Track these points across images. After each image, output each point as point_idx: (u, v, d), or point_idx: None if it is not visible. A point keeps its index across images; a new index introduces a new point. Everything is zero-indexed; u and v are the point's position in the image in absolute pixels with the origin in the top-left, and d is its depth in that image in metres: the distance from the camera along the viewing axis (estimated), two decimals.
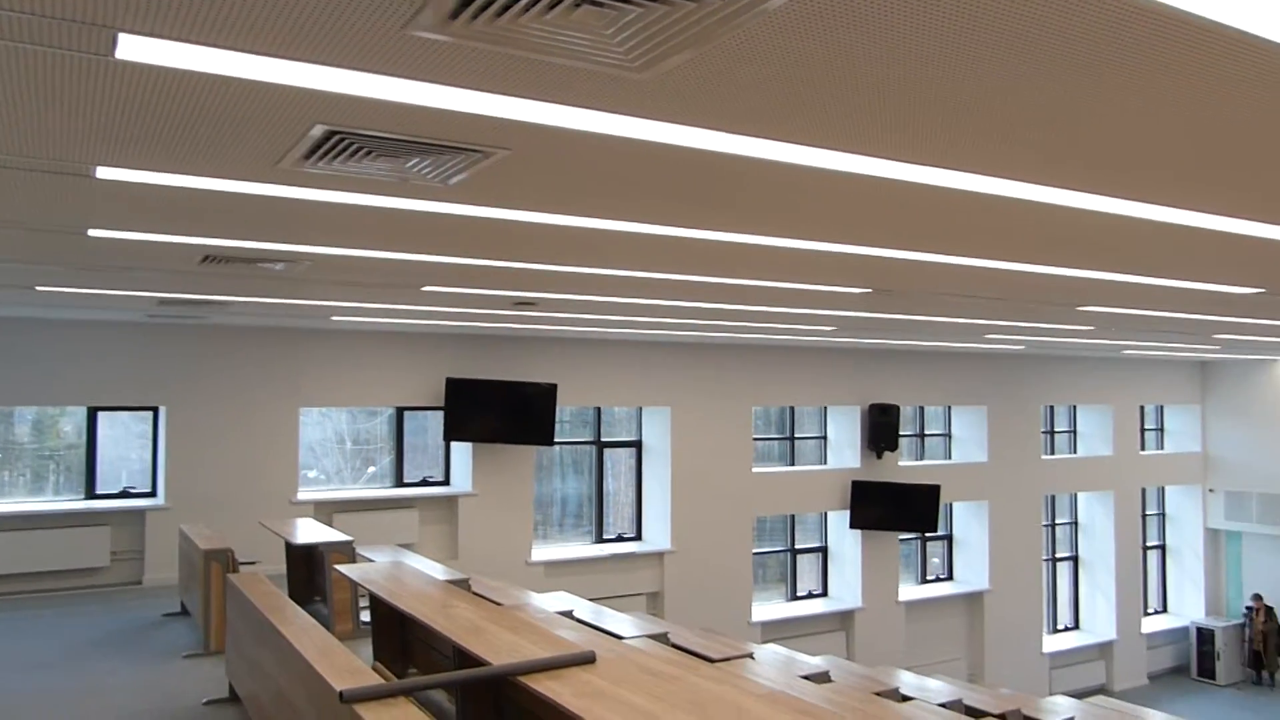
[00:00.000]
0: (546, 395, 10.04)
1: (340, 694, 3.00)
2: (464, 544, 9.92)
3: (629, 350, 10.87)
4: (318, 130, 2.39)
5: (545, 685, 3.05)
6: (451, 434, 9.84)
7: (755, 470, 11.82)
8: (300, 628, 4.11)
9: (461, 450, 10.19)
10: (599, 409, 11.27)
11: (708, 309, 7.19)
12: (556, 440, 10.43)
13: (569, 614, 7.37)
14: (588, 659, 3.36)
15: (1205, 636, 15.19)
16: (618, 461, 11.52)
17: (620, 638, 6.53)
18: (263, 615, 4.39)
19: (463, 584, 7.01)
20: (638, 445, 11.49)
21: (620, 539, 11.26)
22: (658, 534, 11.16)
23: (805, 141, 2.47)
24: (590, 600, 9.33)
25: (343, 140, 2.48)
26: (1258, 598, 14.99)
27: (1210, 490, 15.80)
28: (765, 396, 11.91)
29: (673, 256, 4.57)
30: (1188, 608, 15.94)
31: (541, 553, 10.55)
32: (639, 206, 3.35)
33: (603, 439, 11.36)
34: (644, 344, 10.96)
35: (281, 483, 9.28)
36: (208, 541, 6.90)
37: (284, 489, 9.29)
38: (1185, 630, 15.52)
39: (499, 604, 6.42)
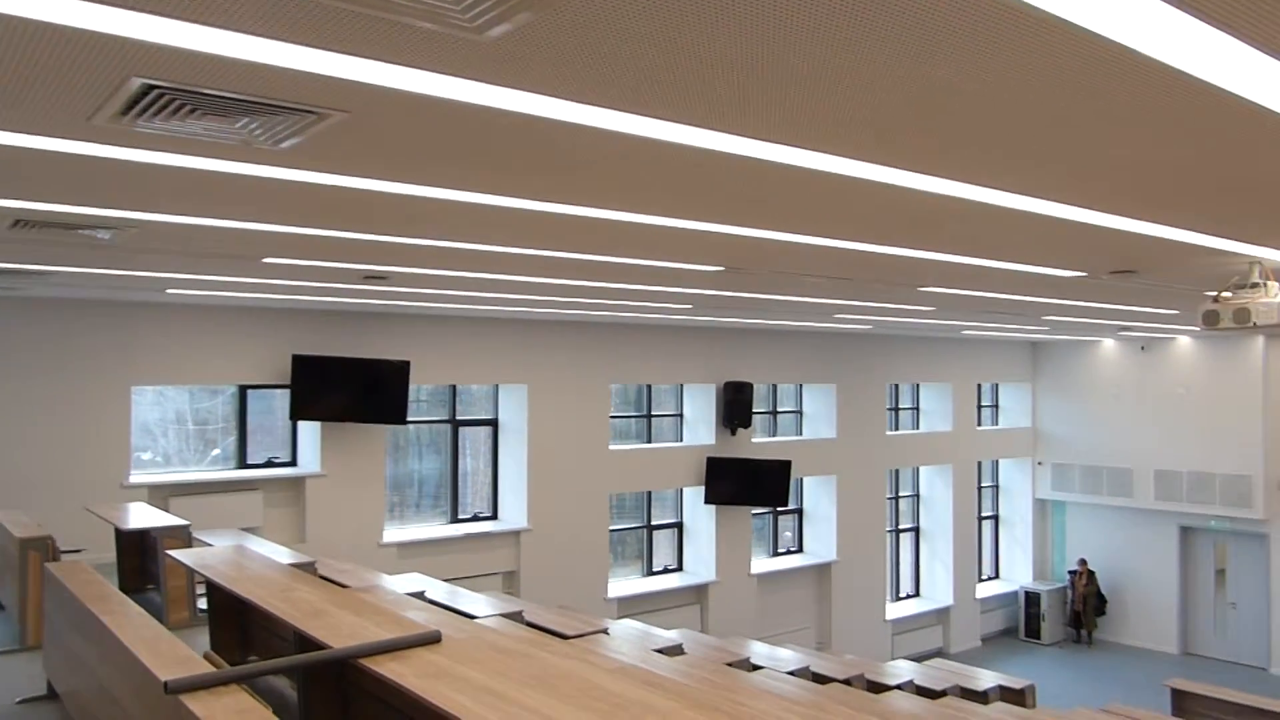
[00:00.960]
0: (399, 373, 9.80)
1: (165, 684, 2.84)
2: (312, 527, 9.60)
3: (485, 327, 10.72)
4: (135, 84, 2.22)
5: (388, 667, 2.97)
6: (298, 413, 9.49)
7: (612, 448, 11.87)
8: (125, 617, 3.88)
9: (309, 430, 9.85)
10: (454, 387, 11.09)
11: (562, 285, 7.14)
12: (410, 419, 10.21)
13: (420, 595, 7.24)
14: (432, 639, 3.29)
15: (1032, 600, 16.20)
16: (474, 440, 11.37)
17: (473, 617, 6.46)
18: (83, 605, 4.13)
19: (308, 568, 6.78)
20: (494, 424, 11.36)
21: (476, 519, 11.13)
22: (514, 513, 11.09)
23: (653, 114, 2.45)
24: (445, 581, 9.20)
25: (163, 96, 2.31)
26: (1082, 562, 16.07)
27: (1039, 463, 16.81)
28: (622, 374, 11.97)
29: (523, 230, 4.50)
30: (1017, 573, 16.96)
31: (394, 534, 10.33)
32: (487, 177, 3.28)
33: (458, 417, 11.18)
34: (500, 321, 10.83)
35: (112, 466, 8.75)
36: (25, 530, 6.44)
37: (114, 472, 8.76)
38: (1015, 594, 16.51)
39: (346, 587, 6.25)
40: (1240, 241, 4.86)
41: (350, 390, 9.57)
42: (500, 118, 2.47)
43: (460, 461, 11.19)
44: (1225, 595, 15.17)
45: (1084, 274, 6.12)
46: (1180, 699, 11.58)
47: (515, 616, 7.30)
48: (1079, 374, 16.39)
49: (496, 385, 11.28)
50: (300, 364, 9.33)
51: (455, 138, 2.72)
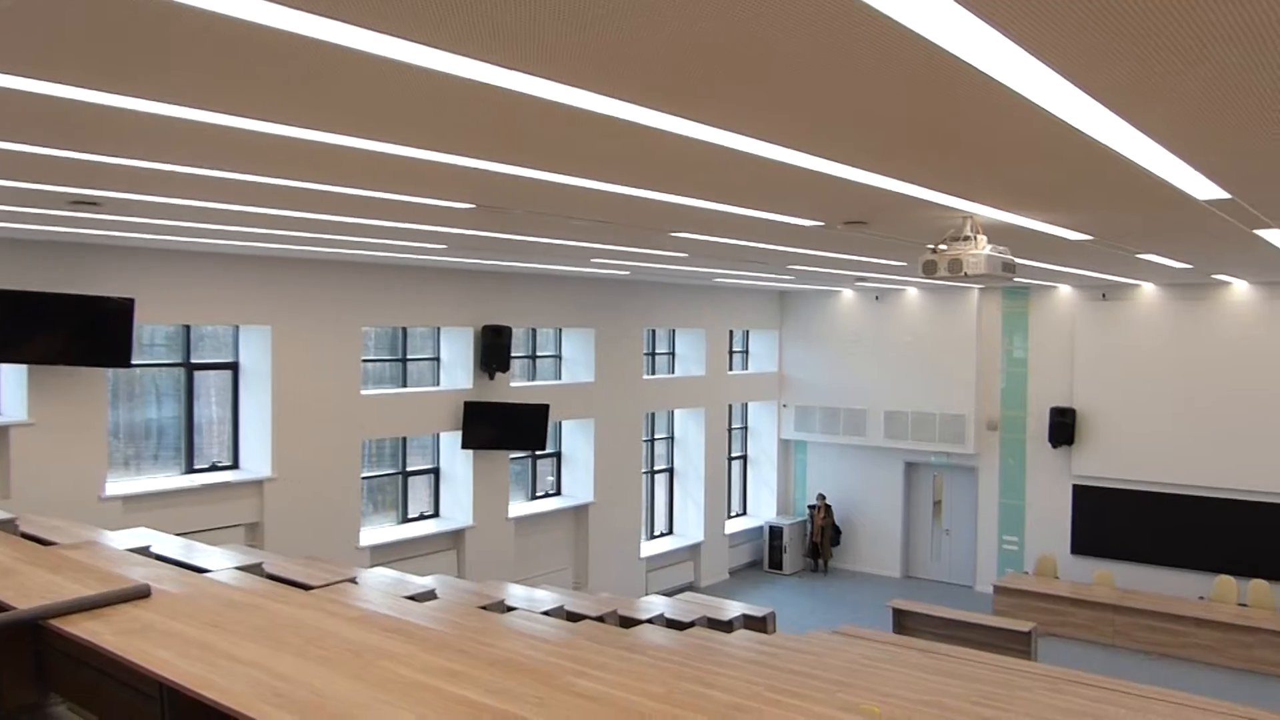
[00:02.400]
0: (121, 311, 8.94)
1: None
2: (18, 481, 8.66)
3: (222, 264, 9.98)
4: None
5: (82, 626, 2.70)
6: (0, 355, 8.48)
7: (365, 393, 11.46)
8: None
9: (14, 374, 8.84)
10: (188, 327, 10.28)
11: (303, 220, 6.72)
12: (136, 363, 9.38)
13: (145, 550, 6.72)
14: (140, 594, 3.02)
15: (776, 533, 17.23)
16: (217, 386, 10.63)
17: (205, 571, 6.07)
18: None
19: (8, 525, 6.12)
20: (235, 367, 10.66)
21: (215, 468, 10.45)
22: (257, 461, 10.50)
23: (396, 33, 2.28)
24: (179, 535, 8.61)
25: None
26: (820, 497, 17.22)
27: (784, 405, 17.80)
28: (375, 317, 11.54)
29: (255, 156, 4.16)
30: (763, 509, 17.97)
31: (119, 486, 9.51)
32: (207, 90, 2.97)
33: (193, 360, 10.40)
34: (240, 257, 10.11)
35: None
36: None
37: None
38: (760, 529, 17.50)
39: (52, 543, 5.68)
40: (956, 197, 5.25)
41: (63, 330, 8.64)
42: (223, 23, 2.22)
43: (197, 408, 10.43)
44: (941, 523, 16.77)
45: (821, 223, 6.43)
46: (900, 617, 12.74)
47: (255, 569, 6.93)
48: (821, 322, 17.43)
49: (237, 327, 10.56)
50: (2, 300, 8.33)
51: (165, 40, 2.42)
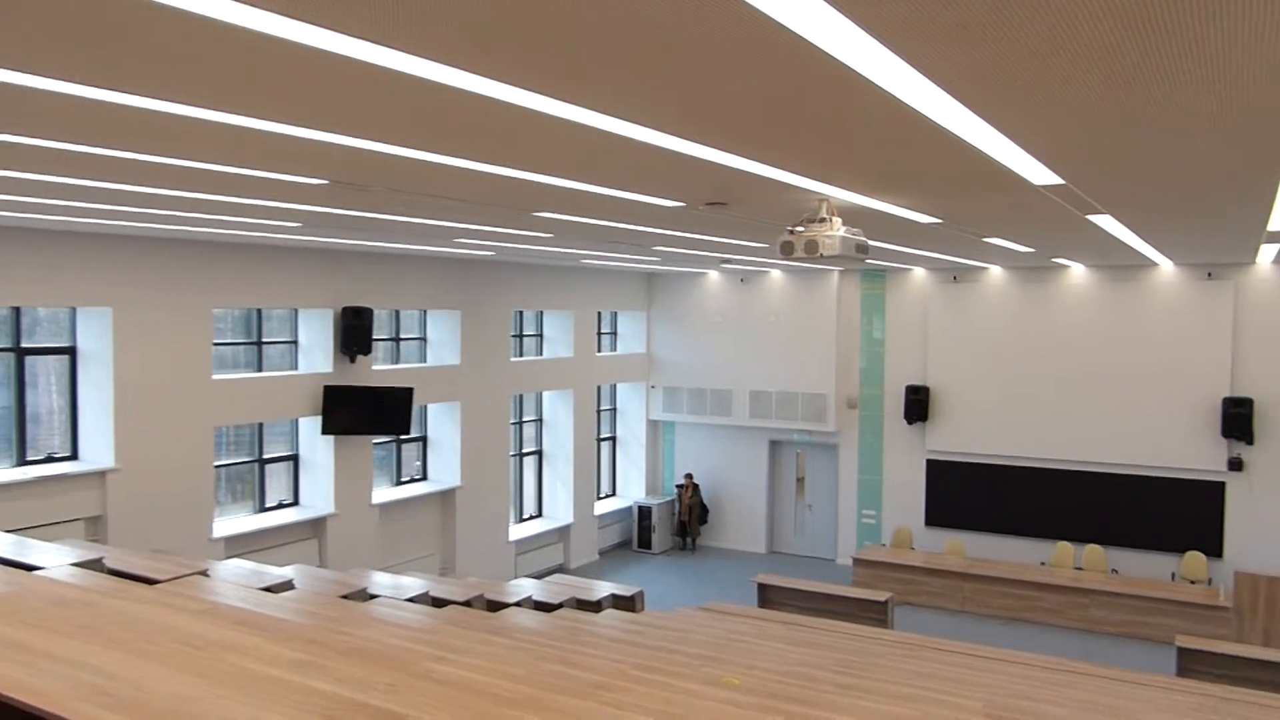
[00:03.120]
0: None
1: None
2: None
3: (58, 241, 9.36)
4: None
5: None
6: None
7: (216, 377, 10.97)
8: None
9: None
10: (17, 309, 9.62)
11: (143, 195, 6.36)
12: None
13: None
14: None
15: (645, 513, 17.40)
16: (50, 371, 9.99)
17: (36, 569, 5.70)
18: None
19: None
20: (72, 352, 10.04)
21: (51, 459, 9.83)
22: (98, 451, 9.93)
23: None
24: (10, 532, 8.09)
25: None
26: (688, 476, 17.47)
27: (652, 386, 17.95)
28: (228, 298, 11.05)
29: (88, 125, 3.90)
30: (632, 489, 18.11)
31: None
32: (43, 54, 2.75)
33: (24, 345, 9.74)
34: (78, 235, 9.51)
35: None
36: None
37: None
38: (629, 509, 17.64)
39: None
40: (812, 179, 5.36)
41: None
42: None
43: (32, 396, 9.79)
44: (804, 500, 17.25)
45: (683, 204, 6.48)
46: (765, 591, 13.05)
47: (94, 565, 6.56)
48: (688, 304, 17.63)
49: (74, 309, 9.95)
50: None
51: None
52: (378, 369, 12.88)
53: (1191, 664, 10.49)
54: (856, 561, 14.60)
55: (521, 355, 15.94)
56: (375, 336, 12.58)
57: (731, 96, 3.27)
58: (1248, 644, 11.64)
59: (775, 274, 16.66)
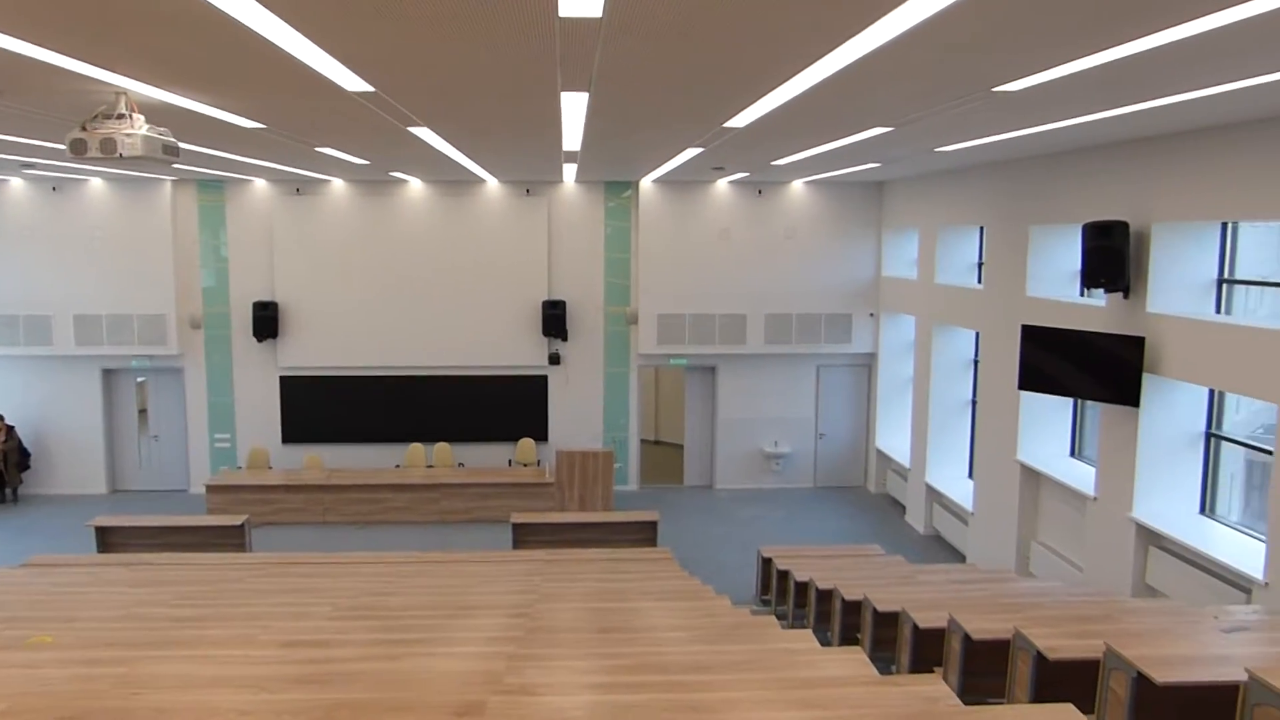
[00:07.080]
0: None
1: None
2: None
3: None
4: None
5: None
6: None
7: None
8: None
9: None
10: None
11: None
12: None
13: None
14: None
15: None
16: None
17: None
18: None
19: None
20: None
21: None
22: None
23: None
24: None
25: None
26: (0, 418, 14.95)
27: None
28: None
29: None
30: None
31: None
32: None
33: None
34: None
35: None
36: None
37: None
38: None
39: None
40: (102, 68, 4.74)
41: None
42: None
43: None
44: (149, 430, 15.86)
45: None
46: (105, 535, 11.84)
47: None
48: None
49: None
50: None
51: None
52: None
53: (525, 535, 11.93)
54: (210, 489, 13.90)
55: None
56: None
57: None
58: (568, 511, 13.58)
59: (96, 182, 14.75)
